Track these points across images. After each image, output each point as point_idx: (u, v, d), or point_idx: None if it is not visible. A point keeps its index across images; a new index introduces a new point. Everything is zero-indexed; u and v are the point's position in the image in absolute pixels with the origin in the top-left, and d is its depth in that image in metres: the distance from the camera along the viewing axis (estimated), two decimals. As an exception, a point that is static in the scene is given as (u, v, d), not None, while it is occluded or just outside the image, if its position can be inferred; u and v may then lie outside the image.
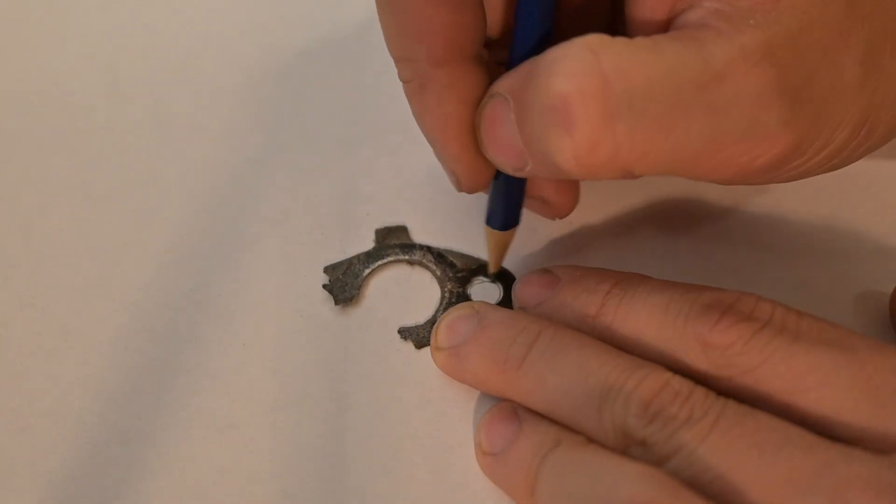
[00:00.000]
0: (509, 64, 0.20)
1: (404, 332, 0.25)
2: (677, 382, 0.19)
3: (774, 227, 0.27)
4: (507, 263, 0.26)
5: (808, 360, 0.19)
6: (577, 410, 0.20)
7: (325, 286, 0.26)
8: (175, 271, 0.26)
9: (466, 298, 0.25)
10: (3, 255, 0.26)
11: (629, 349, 0.21)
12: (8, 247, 0.27)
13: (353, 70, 0.32)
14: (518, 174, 0.20)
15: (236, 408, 0.23)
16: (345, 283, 0.26)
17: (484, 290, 0.26)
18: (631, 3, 0.20)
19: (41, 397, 0.23)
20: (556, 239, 0.27)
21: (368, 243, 0.27)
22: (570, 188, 0.24)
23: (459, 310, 0.23)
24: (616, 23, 0.21)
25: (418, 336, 0.25)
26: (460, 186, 0.22)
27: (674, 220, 0.27)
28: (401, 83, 0.21)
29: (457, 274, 0.26)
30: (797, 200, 0.28)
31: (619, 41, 0.17)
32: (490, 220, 0.24)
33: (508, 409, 0.22)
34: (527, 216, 0.27)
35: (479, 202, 0.28)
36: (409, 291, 0.26)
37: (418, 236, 0.27)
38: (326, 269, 0.26)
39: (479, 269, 0.26)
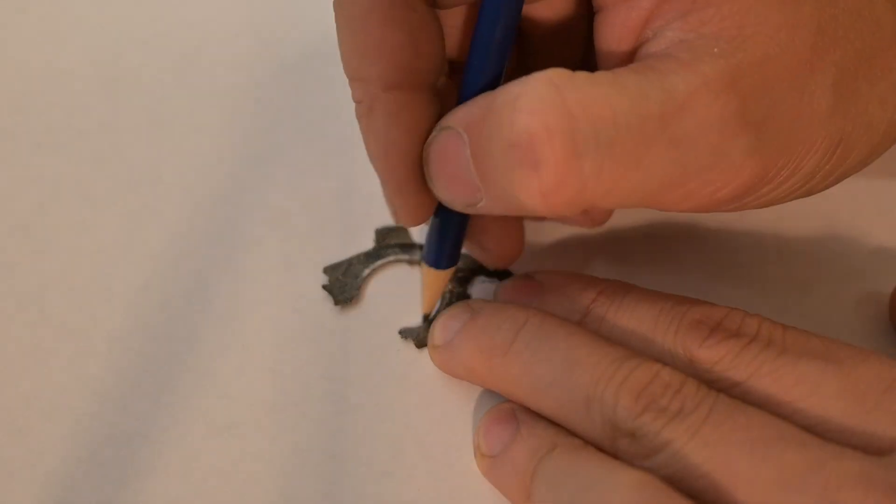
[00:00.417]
0: (462, 97, 0.20)
1: (404, 333, 0.25)
2: (668, 374, 0.19)
3: (776, 228, 0.27)
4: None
5: (794, 372, 0.19)
6: (565, 401, 0.20)
7: (324, 286, 0.26)
8: (174, 271, 0.26)
9: (466, 298, 0.25)
10: (1, 254, 0.26)
11: None
12: (6, 246, 0.27)
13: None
14: (468, 210, 0.20)
15: (235, 408, 0.23)
16: (344, 284, 0.26)
17: (484, 290, 0.26)
18: (598, 34, 0.20)
19: (39, 398, 0.23)
20: (558, 239, 0.27)
21: (368, 243, 0.27)
22: (514, 237, 0.24)
23: (455, 308, 0.23)
24: (590, 54, 0.21)
25: (418, 336, 0.25)
26: (398, 219, 0.22)
27: (675, 219, 0.27)
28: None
29: (457, 274, 0.26)
30: (799, 201, 0.28)
31: (580, 75, 0.17)
32: (427, 259, 0.23)
33: (507, 411, 0.21)
34: (530, 221, 0.27)
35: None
36: (409, 291, 0.26)
37: (418, 236, 0.27)
38: (326, 269, 0.26)
39: (479, 268, 0.26)
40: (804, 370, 0.19)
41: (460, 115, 0.19)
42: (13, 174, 0.29)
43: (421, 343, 0.24)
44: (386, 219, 0.27)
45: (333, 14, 0.20)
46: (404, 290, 0.26)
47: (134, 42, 0.33)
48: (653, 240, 0.27)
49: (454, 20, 0.22)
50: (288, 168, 0.29)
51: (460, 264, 0.26)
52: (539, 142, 0.16)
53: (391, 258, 0.26)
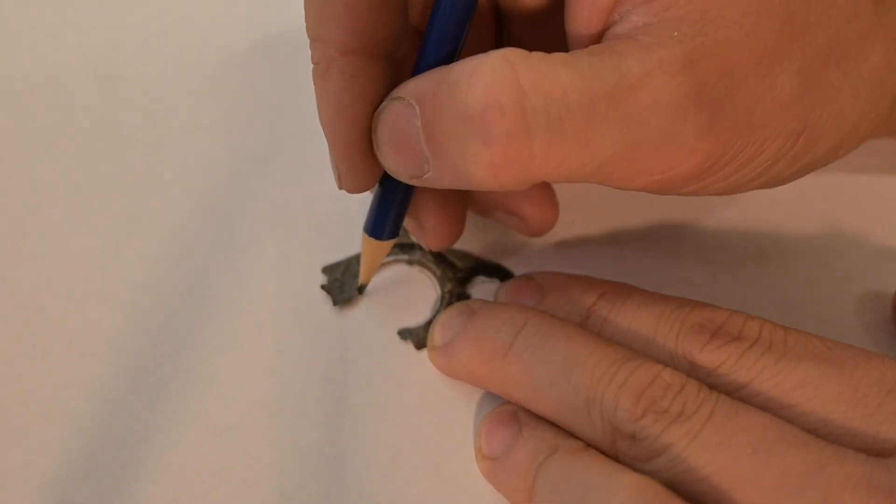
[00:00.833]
0: (416, 69, 0.20)
1: (404, 333, 0.25)
2: (669, 375, 0.19)
3: (778, 228, 0.27)
4: (508, 263, 0.26)
5: (795, 375, 0.19)
6: (565, 403, 0.20)
7: (323, 286, 0.26)
8: (172, 271, 0.26)
9: (466, 298, 0.25)
10: (-3, 254, 0.26)
11: None
12: (2, 247, 0.26)
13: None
14: (412, 181, 0.20)
15: (234, 409, 0.23)
16: (343, 284, 0.26)
17: (484, 290, 0.26)
18: (568, 17, 0.20)
19: (36, 399, 0.23)
20: (559, 239, 0.27)
21: (368, 243, 0.27)
22: (454, 218, 0.24)
23: (454, 308, 0.23)
24: None
25: (418, 337, 0.24)
26: (341, 184, 0.22)
27: (676, 220, 0.27)
28: None
29: (457, 274, 0.26)
30: (801, 200, 0.28)
31: (536, 55, 0.17)
32: (367, 228, 0.23)
33: (509, 413, 0.21)
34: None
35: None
36: (408, 292, 0.26)
37: (418, 236, 0.27)
38: (325, 269, 0.26)
39: (479, 268, 0.26)
40: (806, 373, 0.19)
41: (412, 87, 0.19)
42: (10, 174, 0.29)
43: (420, 344, 0.24)
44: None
45: None
46: (403, 290, 0.26)
47: (131, 41, 0.33)
48: (653, 240, 0.27)
49: None
50: (287, 168, 0.29)
51: (460, 265, 0.26)
52: (491, 116, 0.17)
53: (390, 258, 0.26)
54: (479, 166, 0.18)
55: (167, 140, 0.30)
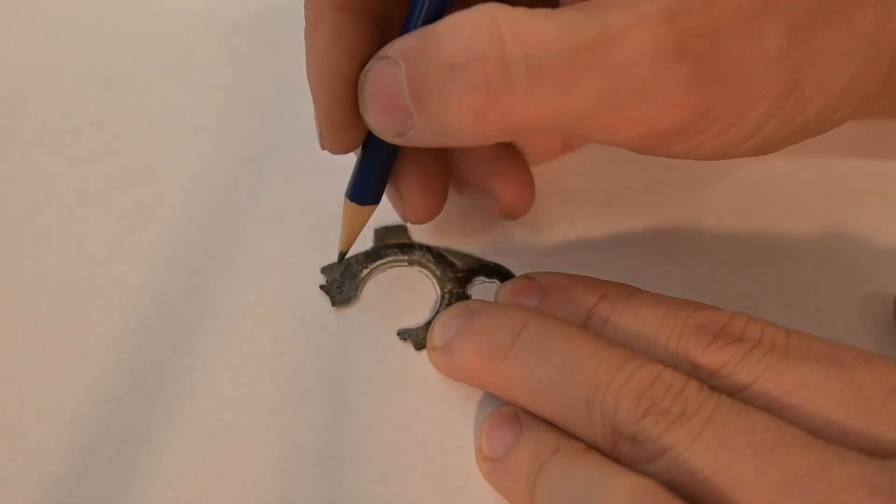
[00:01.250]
0: (403, 31, 0.21)
1: (404, 334, 0.24)
2: (669, 375, 0.19)
3: (780, 228, 0.27)
4: (508, 263, 0.26)
5: (796, 377, 0.19)
6: (565, 404, 0.20)
7: (322, 287, 0.25)
8: (170, 271, 0.26)
9: (466, 299, 0.25)
10: (-5, 254, 0.26)
11: None
12: (0, 247, 0.26)
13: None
14: (397, 140, 0.20)
15: (232, 411, 0.23)
16: (342, 284, 0.25)
17: (484, 290, 0.26)
18: None
19: (33, 399, 0.23)
20: (560, 239, 0.27)
21: (367, 243, 0.27)
22: (524, 187, 0.25)
23: (453, 308, 0.23)
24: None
25: (418, 337, 0.24)
26: (324, 143, 0.22)
27: (678, 220, 0.27)
28: None
29: (457, 274, 0.26)
30: (804, 200, 0.28)
31: (519, 9, 0.18)
32: (349, 193, 0.24)
33: (510, 414, 0.21)
34: (533, 214, 0.27)
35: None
36: (408, 292, 0.26)
37: (418, 236, 0.27)
38: (324, 270, 0.26)
39: (479, 269, 0.26)
40: (808, 374, 0.19)
41: (398, 45, 0.20)
42: (7, 173, 0.29)
43: (420, 344, 0.24)
44: (385, 218, 0.27)
45: None
46: (403, 290, 0.26)
47: (129, 40, 0.33)
48: (655, 241, 0.27)
49: None
50: (285, 167, 0.29)
51: (460, 265, 0.26)
52: (474, 64, 0.18)
53: (390, 259, 0.26)
54: (463, 115, 0.18)
55: (166, 139, 0.30)
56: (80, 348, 0.24)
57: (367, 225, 0.25)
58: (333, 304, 0.25)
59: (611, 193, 0.28)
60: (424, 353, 0.24)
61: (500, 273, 0.26)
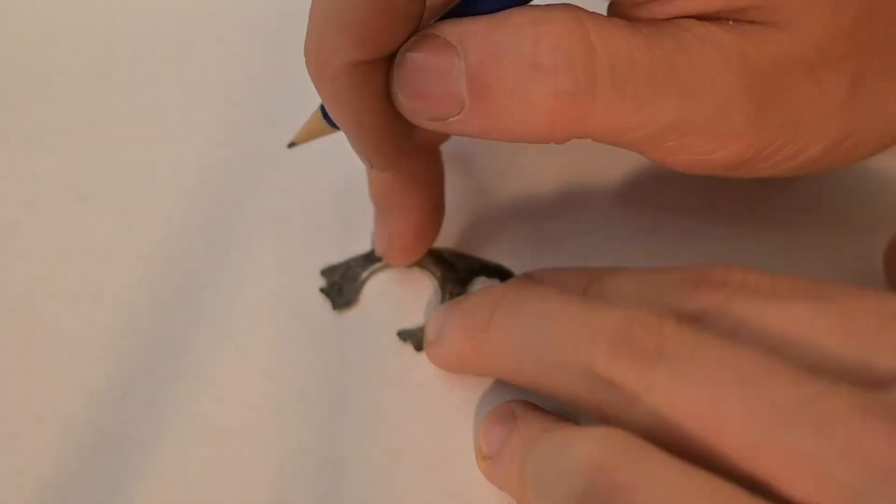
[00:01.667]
0: (453, 12, 0.19)
1: (404, 335, 0.24)
2: (645, 315, 0.18)
3: (783, 228, 0.27)
4: (508, 263, 0.26)
5: (785, 315, 0.18)
6: (543, 360, 0.19)
7: (322, 290, 0.25)
8: (167, 272, 0.26)
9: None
10: (-11, 254, 0.26)
11: None
12: (-5, 246, 0.26)
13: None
14: (432, 125, 0.20)
15: (230, 413, 0.23)
16: (342, 287, 0.25)
17: (484, 292, 0.25)
18: None
19: (29, 401, 0.23)
20: (561, 239, 0.27)
21: (367, 244, 0.26)
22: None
23: (443, 304, 0.24)
24: None
25: (417, 338, 0.24)
26: (372, 168, 0.22)
27: (681, 219, 0.27)
28: None
29: (457, 275, 0.26)
30: (807, 200, 0.28)
31: (600, 15, 0.18)
32: (326, 114, 0.22)
33: (505, 410, 0.21)
34: (533, 214, 0.27)
35: (481, 200, 0.28)
36: (408, 293, 0.26)
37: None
38: (324, 272, 0.26)
39: (479, 269, 0.26)
40: (796, 311, 0.18)
41: (458, 28, 0.19)
42: (2, 172, 0.28)
43: (420, 345, 0.24)
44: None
45: None
46: (403, 291, 0.26)
47: (126, 37, 0.33)
48: (657, 241, 0.27)
49: None
50: (284, 167, 0.29)
51: (460, 265, 0.26)
52: (562, 69, 0.18)
53: (390, 259, 0.26)
54: (538, 115, 0.18)
55: (162, 138, 0.29)
56: (75, 349, 0.24)
57: (364, 224, 0.25)
58: (334, 308, 0.25)
59: (613, 194, 0.28)
60: (424, 354, 0.24)
61: (500, 273, 0.26)
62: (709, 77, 0.18)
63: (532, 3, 0.19)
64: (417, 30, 0.20)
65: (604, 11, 0.20)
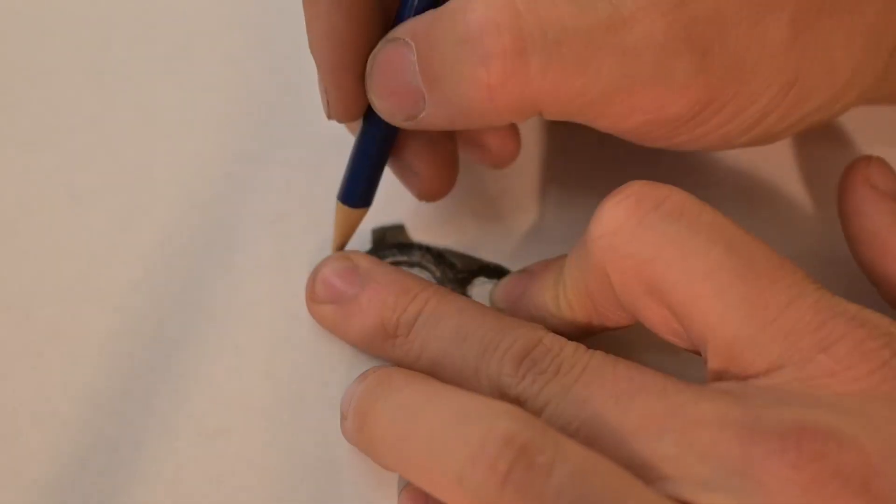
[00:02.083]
0: (400, 16, 0.21)
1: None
2: (549, 340, 0.20)
3: (785, 227, 0.27)
4: (508, 263, 0.26)
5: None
6: (458, 373, 0.21)
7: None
8: (165, 272, 0.26)
9: (466, 300, 0.25)
10: (-14, 254, 0.26)
11: None
12: (-9, 246, 0.26)
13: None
14: (407, 124, 0.21)
15: (228, 413, 0.23)
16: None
17: (484, 291, 0.25)
18: None
19: (25, 403, 0.23)
20: (562, 239, 0.26)
21: (365, 244, 0.26)
22: (512, 135, 0.25)
23: (337, 261, 0.24)
24: None
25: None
26: (330, 112, 0.22)
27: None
28: None
29: (457, 275, 0.26)
30: (809, 198, 0.28)
31: None
32: (341, 195, 0.24)
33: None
34: (533, 214, 0.27)
35: (481, 200, 0.28)
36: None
37: (417, 235, 0.27)
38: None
39: (479, 269, 0.26)
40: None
41: (407, 26, 0.20)
42: (-1, 171, 0.28)
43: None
44: (383, 217, 0.27)
45: None
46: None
47: (123, 36, 0.33)
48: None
49: None
50: (283, 166, 0.28)
51: (460, 265, 0.26)
52: (488, 36, 0.18)
53: (389, 259, 0.26)
54: (477, 89, 0.19)
55: (160, 137, 0.29)
56: (73, 350, 0.24)
57: (362, 227, 0.25)
58: (333, 308, 0.25)
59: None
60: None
61: (500, 273, 0.26)
62: (646, 32, 0.19)
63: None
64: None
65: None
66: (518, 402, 0.19)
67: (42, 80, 0.31)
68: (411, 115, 0.20)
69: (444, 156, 0.24)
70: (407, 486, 0.21)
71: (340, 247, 0.25)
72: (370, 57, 0.21)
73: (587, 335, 0.22)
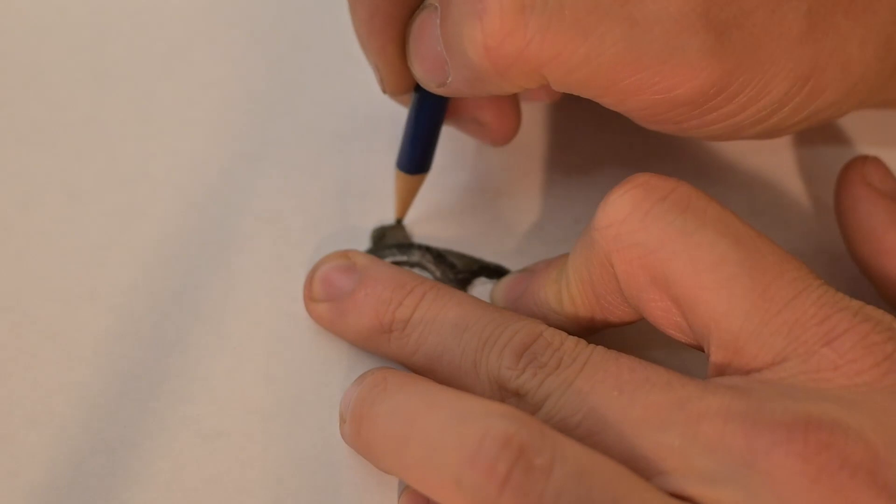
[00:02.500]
0: None
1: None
2: (550, 334, 0.20)
3: (785, 227, 0.27)
4: (508, 263, 0.26)
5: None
6: (456, 366, 0.21)
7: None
8: (162, 272, 0.26)
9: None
10: (-18, 254, 0.26)
11: None
12: (-13, 246, 0.26)
13: (348, 61, 0.31)
14: (440, 90, 0.21)
15: (226, 415, 0.23)
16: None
17: (485, 292, 0.25)
18: None
19: (22, 404, 0.23)
20: (562, 239, 0.27)
21: (365, 244, 0.26)
22: (509, 110, 0.25)
23: (335, 259, 0.24)
24: None
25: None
26: (384, 87, 0.23)
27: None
28: None
29: (457, 275, 0.26)
30: (810, 199, 0.28)
31: None
32: (400, 163, 0.25)
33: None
34: (532, 214, 0.26)
35: (482, 199, 0.28)
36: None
37: (417, 235, 0.27)
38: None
39: (479, 269, 0.26)
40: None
41: None
42: (-5, 170, 0.28)
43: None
44: (383, 217, 0.27)
45: None
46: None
47: (120, 34, 0.33)
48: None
49: None
50: (281, 166, 0.28)
51: (461, 265, 0.26)
52: None
53: (388, 259, 0.26)
54: (474, 46, 0.18)
55: (158, 136, 0.29)
56: (69, 351, 0.24)
57: (362, 227, 0.25)
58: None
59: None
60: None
61: (500, 273, 0.26)
62: (660, 6, 0.18)
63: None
64: None
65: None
66: (518, 395, 0.19)
67: (40, 79, 0.31)
68: (441, 82, 0.20)
69: (506, 101, 0.24)
70: (406, 489, 0.21)
71: (403, 212, 0.26)
72: (410, 22, 0.21)
73: (589, 332, 0.22)
